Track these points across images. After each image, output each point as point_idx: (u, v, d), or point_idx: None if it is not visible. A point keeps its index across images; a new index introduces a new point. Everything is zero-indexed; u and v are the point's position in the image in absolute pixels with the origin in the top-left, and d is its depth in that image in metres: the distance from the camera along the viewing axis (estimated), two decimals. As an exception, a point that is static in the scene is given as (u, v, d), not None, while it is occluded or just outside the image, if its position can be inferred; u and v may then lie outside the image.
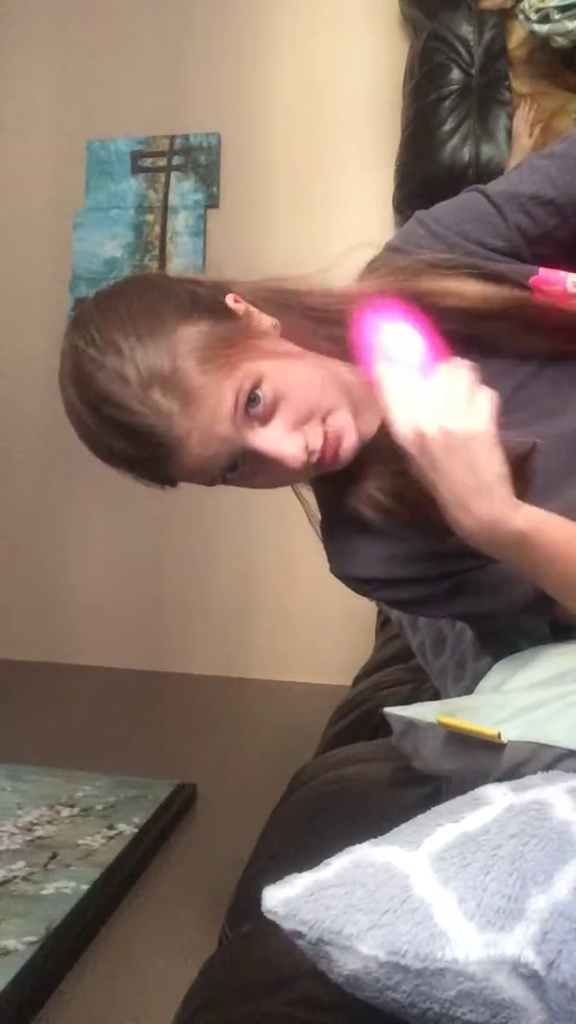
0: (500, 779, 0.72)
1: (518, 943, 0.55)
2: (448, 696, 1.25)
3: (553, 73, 2.24)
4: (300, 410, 0.88)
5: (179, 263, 2.93)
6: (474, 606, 0.99)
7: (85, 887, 1.62)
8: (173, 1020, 0.77)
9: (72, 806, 1.95)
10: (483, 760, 0.74)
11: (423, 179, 2.46)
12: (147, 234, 2.97)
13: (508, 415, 0.95)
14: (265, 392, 0.86)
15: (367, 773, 1.16)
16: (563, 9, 2.02)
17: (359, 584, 1.03)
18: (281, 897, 0.62)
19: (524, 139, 2.26)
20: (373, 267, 1.00)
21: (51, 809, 1.93)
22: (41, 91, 3.09)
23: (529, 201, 0.96)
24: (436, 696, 1.32)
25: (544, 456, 0.92)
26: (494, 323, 0.96)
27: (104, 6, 3.04)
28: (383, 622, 2.09)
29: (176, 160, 2.97)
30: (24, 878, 1.65)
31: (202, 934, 1.15)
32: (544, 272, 0.97)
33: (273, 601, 2.94)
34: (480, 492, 0.81)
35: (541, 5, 2.05)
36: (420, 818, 0.67)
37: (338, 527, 1.01)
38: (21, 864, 1.70)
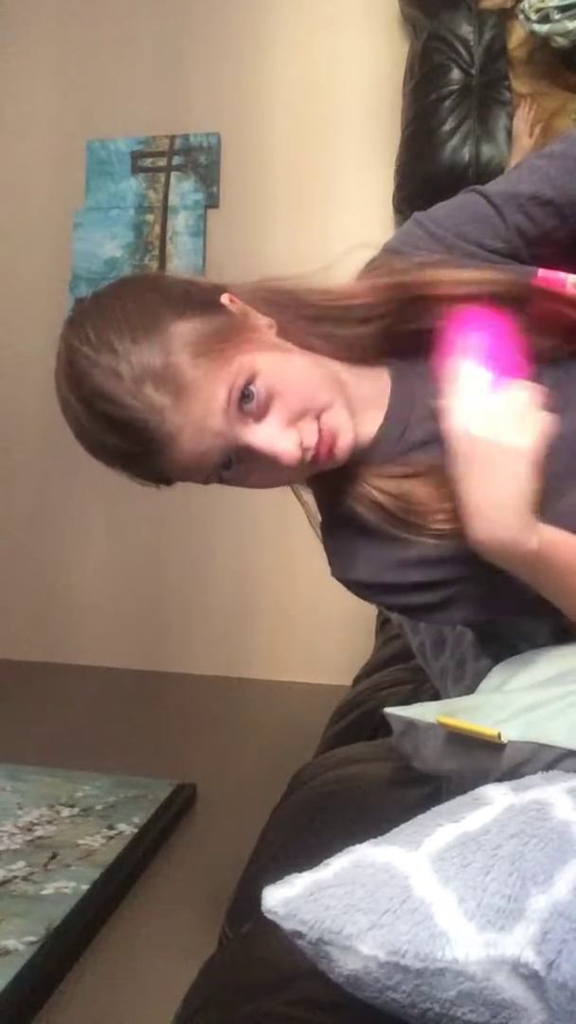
0: (500, 779, 0.72)
1: (518, 943, 0.55)
2: (448, 697, 1.25)
3: (553, 73, 2.24)
4: (295, 406, 0.88)
5: (179, 263, 2.92)
6: (476, 614, 0.98)
7: (85, 887, 1.62)
8: (173, 1020, 0.77)
9: (72, 806, 1.95)
10: (483, 760, 0.74)
11: (423, 179, 2.46)
12: (147, 234, 2.97)
13: None
14: (259, 388, 0.86)
15: (367, 773, 1.16)
16: (563, 9, 2.02)
17: (360, 588, 1.03)
18: (281, 897, 0.62)
19: (524, 139, 2.26)
20: (371, 267, 1.00)
21: (51, 809, 1.93)
22: (41, 91, 3.09)
23: (528, 201, 0.96)
24: (436, 696, 1.32)
25: (546, 458, 0.92)
26: None
27: (104, 6, 3.04)
28: (383, 622, 2.09)
29: (176, 160, 2.97)
30: (24, 878, 1.65)
31: (202, 934, 1.15)
32: (543, 273, 0.97)
33: (273, 601, 2.94)
34: (504, 508, 0.83)
35: (541, 5, 2.05)
36: (420, 818, 0.67)
37: (338, 530, 1.01)
38: (21, 864, 1.70)
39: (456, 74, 2.47)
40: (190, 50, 2.97)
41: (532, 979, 0.54)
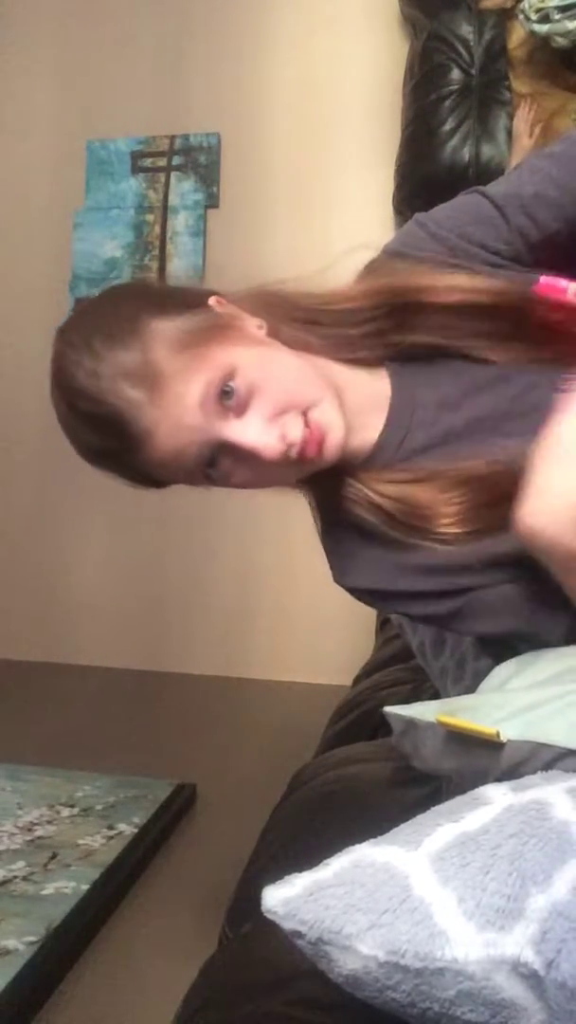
0: (499, 778, 0.72)
1: (517, 943, 0.55)
2: (448, 696, 1.25)
3: (553, 73, 2.24)
4: (277, 401, 0.87)
5: (179, 263, 2.93)
6: (479, 627, 0.97)
7: (85, 887, 1.62)
8: (173, 1020, 0.77)
9: (72, 806, 1.95)
10: (482, 759, 0.74)
11: (423, 179, 2.46)
12: (147, 234, 2.97)
13: (509, 423, 0.94)
14: (239, 384, 0.86)
15: (367, 773, 1.16)
16: (563, 9, 2.02)
17: (363, 595, 1.02)
18: (281, 897, 0.62)
19: (524, 139, 2.26)
20: (370, 270, 1.00)
21: (51, 809, 1.93)
22: (41, 91, 3.09)
23: (531, 202, 0.95)
24: (436, 696, 1.32)
25: None
26: (493, 323, 0.96)
27: (104, 6, 3.04)
28: (383, 622, 2.09)
29: (176, 160, 2.97)
30: (24, 878, 1.65)
31: (202, 934, 1.15)
32: (545, 280, 0.97)
33: (273, 601, 2.94)
34: (570, 502, 0.76)
35: (541, 5, 2.05)
36: (420, 818, 0.67)
37: (339, 536, 1.00)
38: (21, 864, 1.70)
39: (456, 74, 2.48)
40: (190, 50, 2.97)
41: (531, 979, 0.54)
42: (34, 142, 3.11)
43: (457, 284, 0.94)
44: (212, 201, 2.95)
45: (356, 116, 2.84)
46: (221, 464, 0.89)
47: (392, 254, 1.00)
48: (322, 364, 0.93)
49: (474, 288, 0.94)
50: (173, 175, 2.97)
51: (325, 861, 0.65)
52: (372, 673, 1.73)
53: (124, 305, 0.90)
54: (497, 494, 0.90)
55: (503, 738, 0.72)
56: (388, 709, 0.87)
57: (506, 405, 0.95)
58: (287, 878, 0.64)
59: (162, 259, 2.95)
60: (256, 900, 0.65)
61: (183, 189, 2.96)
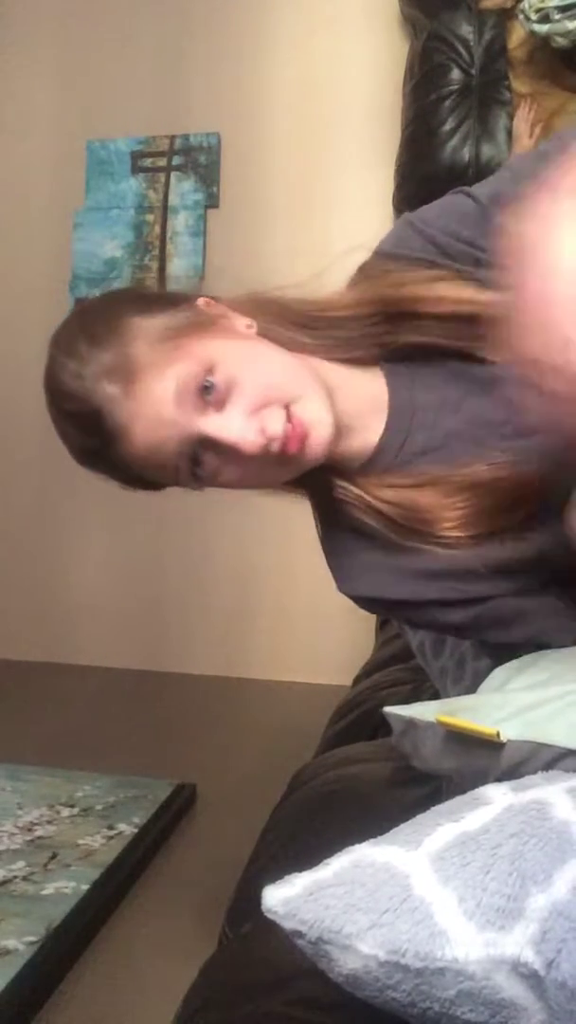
0: (500, 778, 0.72)
1: (518, 942, 0.55)
2: (448, 697, 1.25)
3: (553, 73, 2.24)
4: (258, 395, 0.86)
5: (179, 263, 2.93)
6: (491, 637, 0.96)
7: (85, 887, 1.62)
8: (173, 1020, 0.77)
9: (72, 806, 1.95)
10: (482, 759, 0.74)
11: (423, 179, 2.46)
12: (147, 234, 2.97)
13: (509, 424, 0.94)
14: (218, 378, 0.86)
15: (367, 773, 1.16)
16: (563, 9, 2.02)
17: (368, 604, 1.01)
18: (281, 896, 0.62)
19: (524, 139, 2.26)
20: (364, 273, 0.99)
21: (51, 809, 1.93)
22: (41, 91, 3.09)
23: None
24: (436, 696, 1.32)
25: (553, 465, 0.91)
26: (488, 326, 0.95)
27: (104, 6, 3.04)
28: (383, 622, 2.09)
29: (176, 160, 2.97)
30: (24, 878, 1.65)
31: (202, 934, 1.15)
32: None
33: (273, 601, 2.94)
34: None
35: (541, 5, 2.05)
36: (420, 818, 0.67)
37: (341, 541, 0.99)
38: (21, 864, 1.70)
39: (456, 74, 2.48)
40: (190, 50, 2.97)
41: (531, 978, 0.54)
42: (34, 142, 3.11)
43: (446, 295, 0.93)
44: (212, 201, 2.95)
45: (356, 116, 2.84)
46: (207, 462, 0.88)
47: (384, 256, 0.99)
48: (315, 363, 0.92)
49: (463, 299, 0.93)
50: (173, 175, 2.97)
51: (325, 861, 0.65)
52: (372, 673, 1.73)
53: (110, 307, 0.91)
54: (501, 499, 0.90)
55: (503, 738, 0.72)
56: (388, 709, 0.87)
57: (507, 405, 0.95)
58: (287, 878, 0.64)
59: (162, 259, 2.95)
60: (256, 900, 0.65)
61: (183, 189, 2.96)
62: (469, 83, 2.46)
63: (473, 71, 2.46)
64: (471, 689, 1.05)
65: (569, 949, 0.53)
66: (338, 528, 0.99)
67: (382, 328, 0.95)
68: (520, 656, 0.92)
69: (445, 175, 2.43)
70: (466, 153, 2.43)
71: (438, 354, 0.96)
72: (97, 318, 0.91)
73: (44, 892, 1.61)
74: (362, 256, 1.00)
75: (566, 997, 0.53)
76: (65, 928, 1.51)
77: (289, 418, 0.86)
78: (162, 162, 2.98)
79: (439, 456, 0.94)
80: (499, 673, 0.89)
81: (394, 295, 0.94)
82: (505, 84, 2.38)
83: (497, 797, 0.65)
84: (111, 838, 1.80)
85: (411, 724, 0.84)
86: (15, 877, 1.66)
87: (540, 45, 2.18)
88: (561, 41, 2.07)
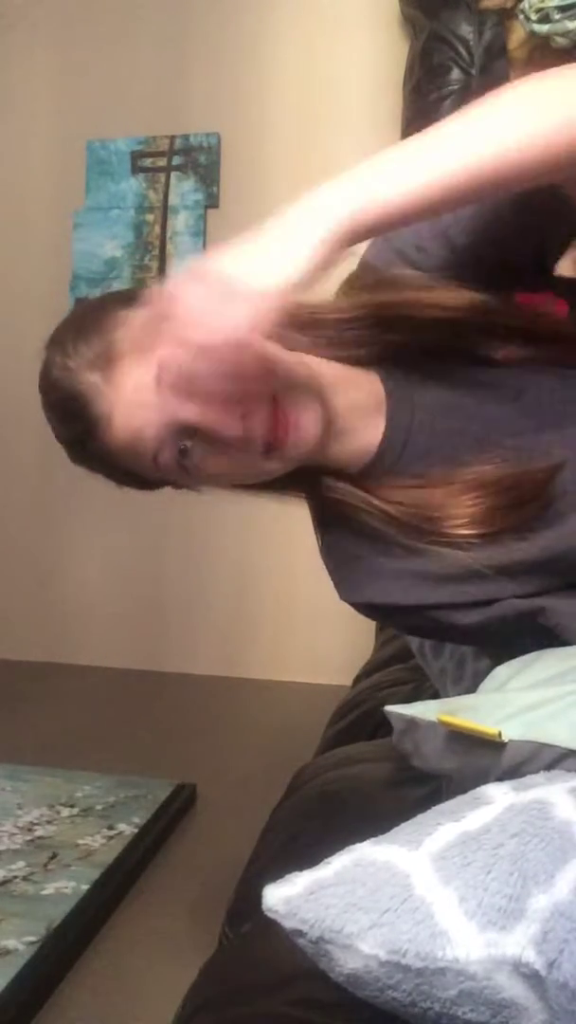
0: (501, 778, 0.72)
1: (519, 943, 0.55)
2: (448, 697, 1.25)
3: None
4: (242, 384, 0.84)
5: (179, 263, 2.92)
6: (497, 640, 0.95)
7: (85, 887, 1.62)
8: (173, 1020, 0.77)
9: (72, 806, 1.94)
10: (484, 759, 0.74)
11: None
12: (147, 234, 2.97)
13: (510, 423, 0.94)
14: (201, 367, 0.85)
15: (367, 773, 1.16)
16: (563, 9, 2.02)
17: (372, 611, 1.01)
18: (281, 896, 0.62)
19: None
20: (351, 283, 0.98)
21: (51, 809, 1.93)
22: (41, 91, 3.09)
23: (467, 219, 0.93)
24: (436, 696, 1.32)
25: (557, 478, 0.91)
26: (482, 332, 0.95)
27: (104, 6, 3.03)
28: (383, 622, 2.09)
29: (176, 160, 2.97)
30: (24, 878, 1.65)
31: (202, 934, 1.15)
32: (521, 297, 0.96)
33: (273, 601, 2.94)
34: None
35: (541, 5, 2.05)
36: (420, 817, 0.67)
37: (343, 548, 0.98)
38: (21, 864, 1.70)
39: (456, 74, 2.47)
40: (190, 50, 2.97)
41: (533, 979, 0.54)
42: (34, 142, 3.10)
43: (439, 301, 0.93)
44: (212, 201, 2.95)
45: (356, 116, 2.84)
46: (192, 452, 0.87)
47: (368, 266, 0.98)
48: (310, 360, 0.92)
49: (457, 306, 0.93)
50: (173, 175, 2.97)
51: (326, 860, 0.65)
52: (372, 673, 1.73)
53: (99, 304, 0.92)
54: (510, 497, 0.89)
55: (505, 738, 0.72)
56: (389, 708, 0.87)
57: (506, 405, 0.95)
58: (288, 877, 0.64)
59: (162, 259, 2.95)
60: (256, 900, 0.65)
61: (183, 189, 2.96)
62: (469, 83, 2.46)
63: (473, 71, 2.46)
64: (471, 689, 1.05)
65: (571, 949, 0.53)
66: (339, 535, 0.98)
67: (378, 329, 0.95)
68: (520, 656, 0.92)
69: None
70: (466, 153, 2.43)
71: (436, 356, 0.96)
72: (86, 315, 0.92)
73: (44, 892, 1.61)
74: (352, 264, 0.99)
75: (567, 997, 0.53)
76: (65, 928, 1.51)
77: (276, 408, 0.85)
78: (162, 162, 2.98)
79: (442, 457, 0.94)
80: (500, 672, 0.89)
81: (389, 298, 0.94)
82: (505, 84, 2.38)
83: (498, 797, 0.65)
84: (111, 838, 1.80)
85: (412, 723, 0.84)
86: (15, 877, 1.66)
87: (540, 45, 2.18)
88: (561, 41, 2.07)
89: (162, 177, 2.98)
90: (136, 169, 3.00)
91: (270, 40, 2.91)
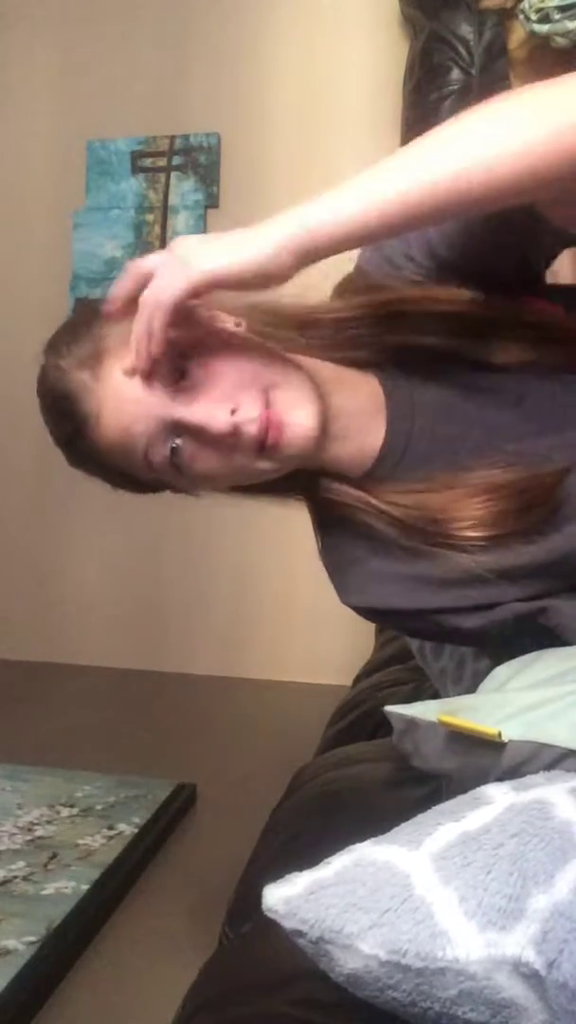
0: (500, 778, 0.72)
1: (519, 943, 0.55)
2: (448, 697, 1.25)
3: (553, 73, 2.23)
4: (232, 380, 0.85)
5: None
6: (500, 642, 0.95)
7: (85, 887, 1.62)
8: (173, 1020, 0.77)
9: (72, 806, 1.94)
10: (483, 759, 0.74)
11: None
12: (147, 234, 2.97)
13: (511, 427, 0.93)
14: (192, 363, 0.85)
15: (367, 773, 1.16)
16: (563, 9, 2.02)
17: (373, 614, 1.00)
18: (281, 896, 0.62)
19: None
20: (345, 286, 0.98)
21: (51, 809, 1.93)
22: (41, 91, 3.09)
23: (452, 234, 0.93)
24: (436, 696, 1.32)
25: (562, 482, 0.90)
26: (480, 334, 0.95)
27: (104, 6, 3.03)
28: (383, 622, 2.09)
29: (176, 160, 2.97)
30: (24, 878, 1.65)
31: (202, 934, 1.15)
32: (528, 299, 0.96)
33: (273, 601, 2.93)
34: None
35: (541, 5, 2.05)
36: (420, 817, 0.67)
37: (344, 553, 0.97)
38: (21, 864, 1.70)
39: (456, 74, 2.47)
40: (190, 50, 2.97)
41: (532, 979, 0.54)
42: (34, 142, 3.10)
43: (436, 296, 0.93)
44: (212, 201, 2.95)
45: (356, 116, 2.84)
46: (183, 450, 0.86)
47: (362, 271, 0.98)
48: (308, 362, 0.91)
49: (453, 301, 0.93)
50: (173, 175, 2.97)
51: (326, 860, 0.65)
52: (372, 673, 1.73)
53: (93, 307, 0.93)
54: (517, 501, 0.89)
55: (505, 738, 0.72)
56: (389, 708, 0.87)
57: (506, 409, 0.95)
58: (288, 877, 0.64)
59: (162, 259, 2.95)
60: (256, 900, 0.65)
61: (183, 189, 2.96)
62: (469, 83, 2.46)
63: (473, 71, 2.46)
64: (471, 690, 1.05)
65: (570, 949, 0.53)
66: (339, 538, 0.98)
67: (379, 329, 0.94)
68: (520, 656, 0.92)
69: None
70: (466, 153, 2.43)
71: (437, 359, 0.95)
72: (80, 318, 0.93)
73: (44, 892, 1.61)
74: (348, 267, 0.99)
75: (567, 997, 0.53)
76: (65, 928, 1.51)
77: (268, 405, 0.85)
78: (162, 162, 2.98)
79: (443, 461, 0.93)
80: (500, 672, 0.89)
81: (386, 296, 0.94)
82: (505, 84, 2.38)
83: (498, 797, 0.65)
84: (111, 838, 1.80)
85: (412, 723, 0.84)
86: (15, 877, 1.66)
87: (540, 45, 2.18)
88: (561, 41, 2.07)
89: (162, 177, 2.98)
90: (136, 169, 3.00)
91: (270, 40, 2.91)
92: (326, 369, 0.93)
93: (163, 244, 2.94)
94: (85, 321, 0.91)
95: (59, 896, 1.59)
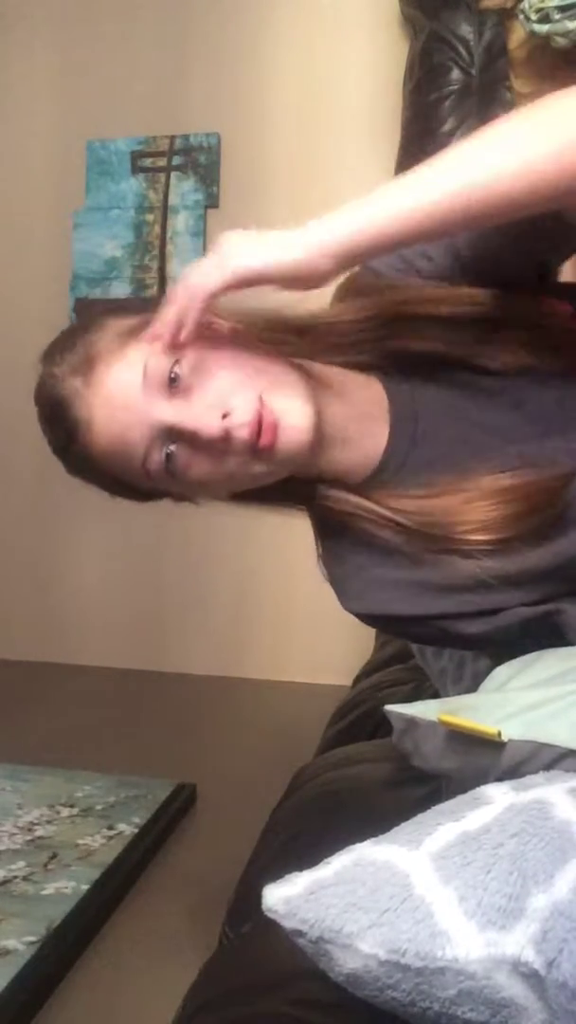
0: (500, 778, 0.72)
1: (518, 942, 0.55)
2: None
3: (553, 73, 2.24)
4: (225, 385, 0.85)
5: (179, 263, 2.92)
6: (504, 647, 0.94)
7: (85, 887, 1.62)
8: (173, 1020, 0.77)
9: (72, 806, 1.94)
10: (483, 759, 0.74)
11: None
12: (147, 234, 2.97)
13: (515, 430, 0.93)
14: (184, 368, 0.85)
15: (367, 773, 1.16)
16: (563, 9, 2.02)
17: (376, 621, 1.00)
18: (281, 895, 0.63)
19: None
20: (351, 285, 0.98)
21: (51, 809, 1.93)
22: (41, 91, 3.09)
23: (476, 236, 0.92)
24: (436, 696, 1.32)
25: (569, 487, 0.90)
26: (489, 331, 0.94)
27: (104, 6, 3.04)
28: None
29: (176, 160, 2.97)
30: (24, 878, 1.65)
31: (202, 934, 1.15)
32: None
33: (273, 601, 2.93)
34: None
35: (541, 5, 2.05)
36: (420, 817, 0.67)
37: (346, 559, 0.97)
38: (21, 864, 1.70)
39: (456, 74, 2.47)
40: (190, 50, 2.97)
41: (532, 978, 0.54)
42: (34, 142, 3.10)
43: (439, 297, 0.93)
44: (212, 201, 2.95)
45: (356, 116, 2.84)
46: (177, 456, 0.86)
47: (371, 269, 0.98)
48: (308, 366, 0.91)
49: (463, 300, 0.93)
50: (173, 175, 2.97)
51: (326, 860, 0.65)
52: (372, 673, 1.73)
53: (89, 315, 0.94)
54: (522, 505, 0.89)
55: (505, 738, 0.72)
56: (389, 707, 0.87)
57: (509, 412, 0.94)
58: (288, 877, 0.64)
59: (162, 259, 2.95)
60: (256, 900, 0.65)
61: (183, 189, 2.96)
62: (469, 83, 2.46)
63: (473, 71, 2.46)
64: (471, 690, 1.05)
65: (570, 949, 0.53)
66: (340, 545, 0.97)
67: (380, 333, 0.94)
68: (520, 656, 0.92)
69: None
70: (466, 153, 2.43)
71: (440, 363, 0.95)
72: (78, 326, 0.94)
73: (44, 892, 1.61)
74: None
75: (567, 997, 0.53)
76: (65, 928, 1.50)
77: (262, 409, 0.84)
78: (162, 162, 2.98)
79: (448, 464, 0.93)
80: (500, 672, 0.89)
81: (391, 299, 0.94)
82: (505, 84, 2.38)
83: (498, 797, 0.65)
84: (111, 838, 1.80)
85: (412, 723, 0.84)
86: (15, 877, 1.66)
87: (540, 45, 2.18)
88: (561, 41, 2.07)
89: (162, 177, 2.98)
90: (136, 169, 3.00)
91: (270, 40, 2.91)
92: (328, 373, 0.92)
93: (163, 244, 2.94)
94: (81, 328, 0.92)
95: (59, 896, 1.59)
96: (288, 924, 0.62)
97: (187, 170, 2.96)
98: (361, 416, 0.93)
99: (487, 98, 2.43)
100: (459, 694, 1.17)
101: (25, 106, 3.11)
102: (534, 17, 2.07)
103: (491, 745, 0.73)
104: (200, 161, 2.95)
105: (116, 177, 3.01)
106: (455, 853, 0.60)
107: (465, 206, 0.79)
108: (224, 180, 2.94)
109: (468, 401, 0.94)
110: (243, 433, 0.83)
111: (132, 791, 2.01)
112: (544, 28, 2.07)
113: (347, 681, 1.81)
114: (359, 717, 1.48)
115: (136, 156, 2.99)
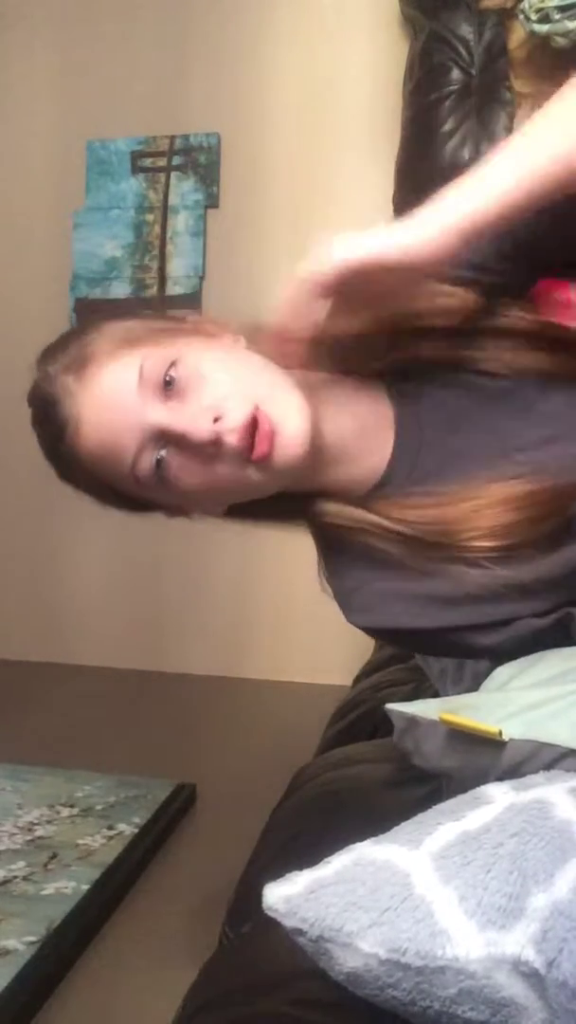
0: (501, 778, 0.72)
1: (518, 941, 0.55)
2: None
3: (553, 73, 2.24)
4: (219, 390, 0.83)
5: (179, 263, 2.92)
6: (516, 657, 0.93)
7: (85, 887, 1.62)
8: (173, 1020, 0.77)
9: (72, 806, 1.94)
10: (484, 758, 0.74)
11: (423, 179, 2.45)
12: (147, 234, 2.97)
13: (522, 437, 0.93)
14: (180, 372, 0.84)
15: (367, 773, 1.16)
16: (563, 9, 2.02)
17: (382, 634, 1.00)
18: (282, 894, 0.63)
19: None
20: (353, 292, 0.97)
21: (51, 809, 1.93)
22: (41, 91, 3.09)
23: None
24: (436, 696, 1.32)
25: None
26: (494, 338, 0.94)
27: (104, 6, 3.04)
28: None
29: (176, 160, 2.97)
30: (24, 878, 1.65)
31: (202, 934, 1.15)
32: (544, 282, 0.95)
33: (273, 601, 2.93)
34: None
35: (541, 5, 2.05)
36: (421, 817, 0.67)
37: (350, 574, 0.96)
38: (21, 864, 1.70)
39: (456, 74, 2.47)
40: (190, 50, 2.97)
41: (532, 977, 0.54)
42: (34, 142, 3.10)
43: (449, 307, 0.92)
44: (212, 201, 2.95)
45: (356, 116, 2.84)
46: (169, 461, 0.85)
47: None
48: (310, 377, 0.90)
49: (465, 309, 0.92)
50: (173, 175, 2.97)
51: (326, 859, 0.65)
52: (372, 673, 1.73)
53: (87, 319, 0.95)
54: (530, 512, 0.88)
55: (505, 737, 0.72)
56: (390, 706, 0.87)
57: (516, 419, 0.93)
58: (288, 876, 0.64)
59: (162, 259, 2.95)
60: (256, 900, 0.65)
61: (183, 189, 2.96)
62: (469, 83, 2.46)
63: (473, 71, 2.46)
64: (471, 690, 1.05)
65: (570, 948, 0.53)
66: (343, 558, 0.96)
67: (384, 342, 0.93)
68: (520, 657, 0.92)
69: (445, 175, 2.42)
70: (466, 153, 2.43)
71: (444, 370, 0.94)
72: (74, 330, 0.94)
73: (44, 892, 1.61)
74: None
75: (567, 996, 0.53)
76: (65, 928, 1.50)
77: (256, 416, 0.83)
78: (162, 162, 2.98)
79: (456, 471, 0.92)
80: (501, 672, 0.89)
81: (392, 311, 0.92)
82: (505, 84, 2.38)
83: (498, 796, 0.65)
84: (111, 838, 1.80)
85: (413, 722, 0.84)
86: (15, 877, 1.66)
87: (540, 45, 2.18)
88: (561, 41, 2.07)
89: (162, 177, 2.98)
90: (136, 169, 3.00)
91: (270, 40, 2.91)
92: (329, 385, 0.91)
93: (163, 244, 2.94)
94: (78, 330, 0.92)
95: (59, 896, 1.59)
96: (288, 923, 0.62)
97: (187, 170, 2.96)
98: (363, 430, 0.92)
99: (487, 98, 2.43)
100: (459, 694, 1.17)
101: (25, 106, 3.11)
102: (534, 17, 2.07)
103: (492, 744, 0.73)
104: (200, 161, 2.95)
105: (116, 177, 3.01)
106: (455, 853, 0.60)
107: (567, 166, 0.79)
108: (224, 180, 2.94)
109: (475, 406, 0.94)
110: (232, 439, 0.82)
111: (132, 791, 2.01)
112: (544, 28, 2.07)
113: (347, 681, 1.81)
114: (359, 717, 1.48)
115: (136, 156, 2.99)
